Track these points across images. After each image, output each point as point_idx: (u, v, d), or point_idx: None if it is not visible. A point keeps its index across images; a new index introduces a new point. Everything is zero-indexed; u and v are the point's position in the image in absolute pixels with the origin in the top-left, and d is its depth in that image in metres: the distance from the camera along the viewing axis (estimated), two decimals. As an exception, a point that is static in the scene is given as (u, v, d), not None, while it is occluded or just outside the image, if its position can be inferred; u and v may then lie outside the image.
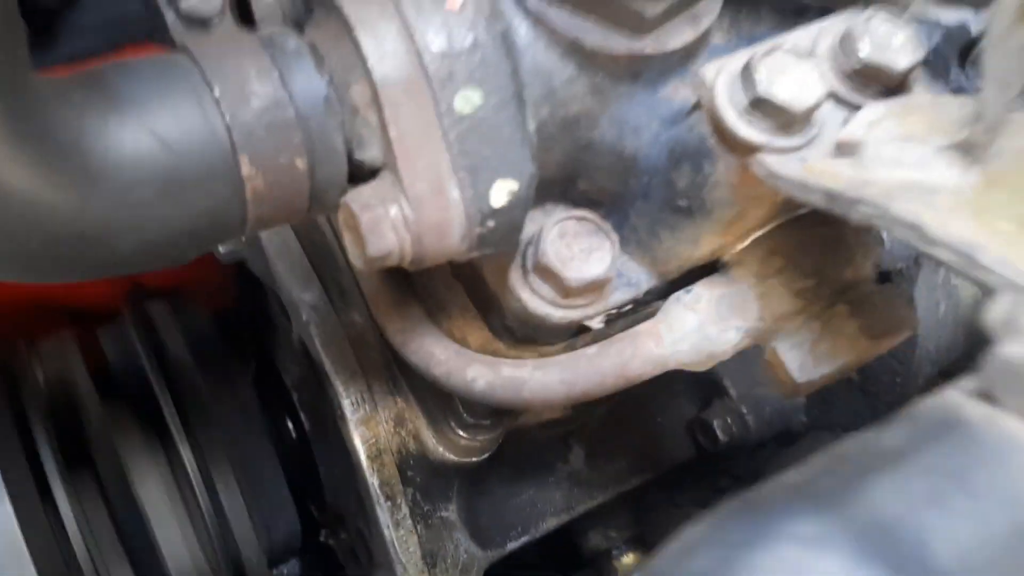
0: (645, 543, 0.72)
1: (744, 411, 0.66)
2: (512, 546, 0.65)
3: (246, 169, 0.30)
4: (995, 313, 0.22)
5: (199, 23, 0.33)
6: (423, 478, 0.56)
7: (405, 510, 0.57)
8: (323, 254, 0.53)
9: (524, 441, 0.61)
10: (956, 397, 0.22)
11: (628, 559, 0.72)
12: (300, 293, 0.53)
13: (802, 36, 0.35)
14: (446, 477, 0.58)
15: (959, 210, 0.28)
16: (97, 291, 0.68)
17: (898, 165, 0.29)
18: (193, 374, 0.60)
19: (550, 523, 0.66)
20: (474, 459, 0.56)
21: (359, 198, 0.33)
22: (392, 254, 0.33)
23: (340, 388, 0.51)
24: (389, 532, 0.54)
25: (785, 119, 0.31)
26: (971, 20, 0.64)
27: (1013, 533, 0.19)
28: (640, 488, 0.68)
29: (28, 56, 0.26)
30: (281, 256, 0.56)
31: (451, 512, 0.60)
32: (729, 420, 0.66)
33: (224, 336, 0.65)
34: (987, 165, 0.29)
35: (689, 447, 0.69)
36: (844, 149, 0.31)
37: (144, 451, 0.57)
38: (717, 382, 0.66)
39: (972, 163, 0.29)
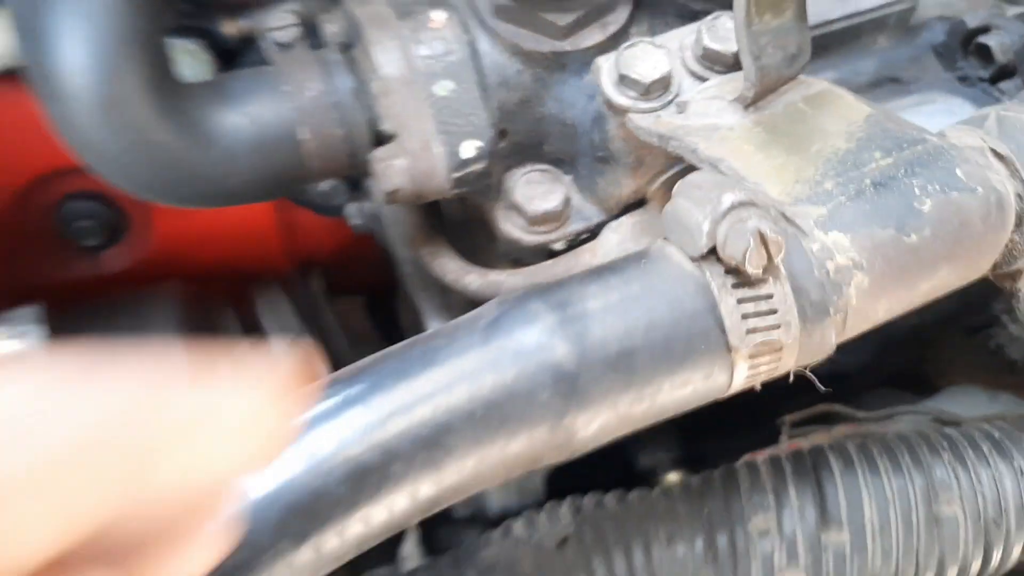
0: (691, 464, 0.84)
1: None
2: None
3: (302, 134, 0.49)
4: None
5: (283, 47, 0.53)
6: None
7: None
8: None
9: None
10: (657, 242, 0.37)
11: (672, 477, 0.84)
12: (403, 252, 0.71)
13: (682, 31, 0.49)
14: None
15: (727, 140, 0.42)
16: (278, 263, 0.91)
17: (705, 116, 0.44)
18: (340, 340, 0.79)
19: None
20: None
21: (377, 154, 0.51)
22: (400, 191, 0.51)
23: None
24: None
25: (641, 88, 0.46)
26: (968, 16, 0.75)
27: (647, 324, 0.34)
28: (686, 417, 0.81)
29: (170, 69, 0.46)
30: (396, 227, 0.75)
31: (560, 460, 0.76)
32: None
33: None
34: (759, 112, 0.43)
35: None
36: (680, 107, 0.45)
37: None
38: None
39: (746, 112, 0.43)
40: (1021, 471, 0.45)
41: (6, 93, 0.73)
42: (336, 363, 0.77)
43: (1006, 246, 0.39)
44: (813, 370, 0.84)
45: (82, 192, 0.85)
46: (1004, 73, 0.70)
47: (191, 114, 0.47)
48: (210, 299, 0.82)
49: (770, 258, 0.33)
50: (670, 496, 0.47)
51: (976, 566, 0.45)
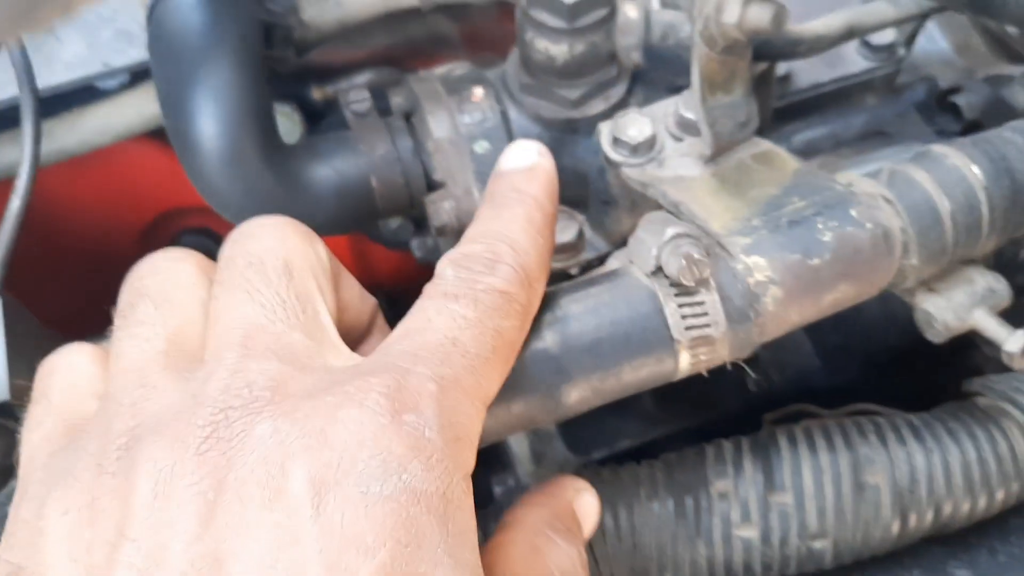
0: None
1: (770, 371, 0.89)
2: (596, 455, 0.92)
3: (374, 182, 0.64)
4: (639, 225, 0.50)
5: (359, 115, 0.68)
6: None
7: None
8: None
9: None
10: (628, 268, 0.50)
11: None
12: None
13: (667, 102, 0.63)
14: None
15: (688, 188, 0.55)
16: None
17: (675, 169, 0.57)
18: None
19: (625, 444, 0.93)
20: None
21: (430, 198, 0.65)
22: (447, 226, 0.65)
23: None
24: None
25: (630, 148, 0.59)
26: (939, 77, 0.88)
27: (611, 322, 0.47)
28: (697, 427, 0.93)
29: (277, 133, 0.62)
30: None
31: (550, 424, 0.89)
32: (759, 376, 0.89)
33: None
34: (716, 166, 0.56)
35: (735, 399, 0.92)
36: (659, 162, 0.59)
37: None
38: (751, 348, 0.90)
39: (705, 166, 0.56)
40: (929, 450, 0.56)
41: (144, 149, 0.91)
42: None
43: (899, 269, 0.51)
44: (815, 386, 0.94)
45: (196, 228, 1.02)
46: (973, 127, 0.82)
47: (291, 168, 0.62)
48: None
49: (698, 274, 0.46)
50: (651, 467, 0.60)
51: (896, 527, 0.56)
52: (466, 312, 0.40)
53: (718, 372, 0.95)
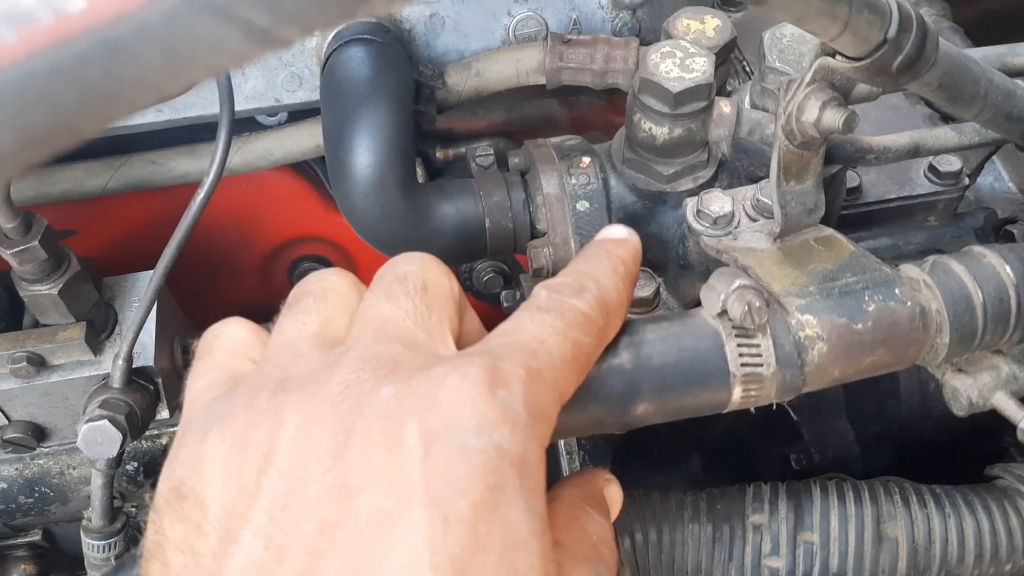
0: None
1: (812, 450, 0.96)
2: None
3: (487, 224, 0.75)
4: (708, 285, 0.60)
5: (482, 168, 0.80)
6: (590, 446, 0.95)
7: (577, 464, 0.96)
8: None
9: (656, 442, 0.98)
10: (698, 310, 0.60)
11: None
12: None
13: (747, 188, 0.73)
14: (603, 450, 0.96)
15: (757, 257, 0.64)
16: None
17: (748, 241, 0.67)
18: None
19: (669, 501, 1.00)
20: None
21: (532, 244, 0.76)
22: (543, 268, 0.76)
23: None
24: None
25: (710, 220, 0.70)
26: (999, 208, 0.97)
27: (678, 349, 0.57)
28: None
29: (415, 172, 0.74)
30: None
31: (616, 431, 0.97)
32: (801, 455, 0.96)
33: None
34: (783, 243, 0.65)
35: (777, 474, 0.98)
36: (735, 235, 0.69)
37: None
38: (796, 430, 0.97)
39: (774, 242, 0.65)
40: (947, 515, 0.63)
41: (280, 177, 1.05)
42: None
43: (933, 346, 0.60)
44: (850, 470, 1.00)
45: (310, 255, 1.15)
46: (1026, 254, 0.89)
47: (421, 201, 0.74)
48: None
49: (757, 319, 0.55)
50: (696, 496, 0.68)
51: (910, 581, 0.63)
52: (553, 322, 0.50)
53: (763, 446, 1.03)
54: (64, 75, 0.21)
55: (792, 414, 0.96)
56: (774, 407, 0.59)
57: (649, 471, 1.00)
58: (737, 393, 0.57)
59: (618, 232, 0.60)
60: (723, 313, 0.57)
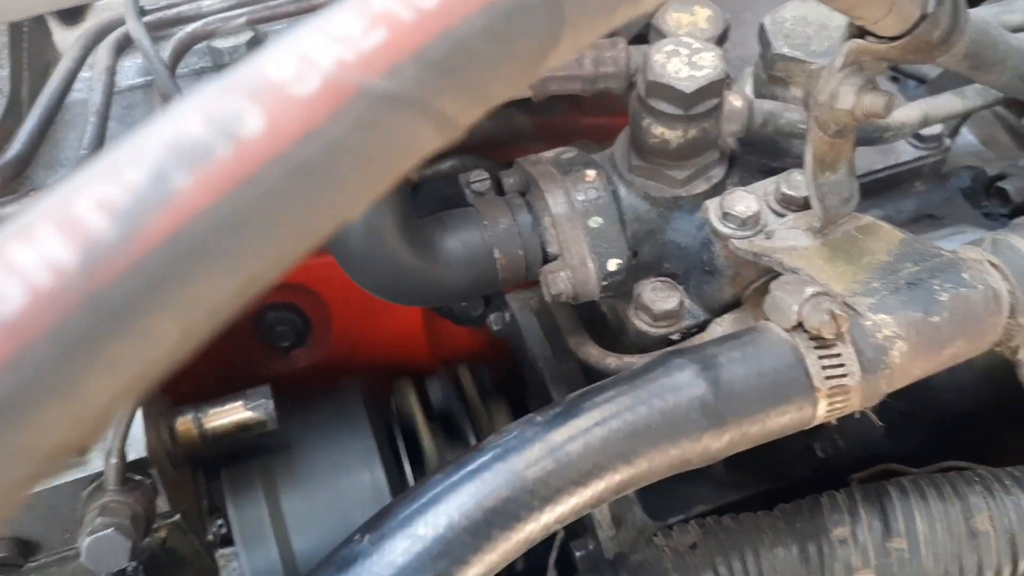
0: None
1: (836, 436, 0.94)
2: (672, 520, 0.95)
3: (497, 254, 0.69)
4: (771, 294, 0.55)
5: (478, 194, 0.74)
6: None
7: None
8: (554, 330, 0.91)
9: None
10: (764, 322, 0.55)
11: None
12: (537, 350, 0.91)
13: (765, 182, 0.69)
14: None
15: (803, 256, 0.61)
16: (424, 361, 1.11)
17: (786, 240, 0.63)
18: (479, 412, 0.99)
19: (699, 508, 0.96)
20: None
21: (546, 268, 0.71)
22: (563, 294, 0.70)
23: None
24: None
25: (739, 222, 0.65)
26: (989, 166, 0.95)
27: (759, 372, 0.52)
28: (767, 492, 0.96)
29: (411, 204, 0.68)
30: (529, 332, 0.95)
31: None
32: (826, 443, 0.94)
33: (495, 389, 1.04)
34: (824, 237, 0.62)
35: (803, 466, 0.96)
36: (768, 235, 0.65)
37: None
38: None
39: (815, 237, 0.62)
40: (1034, 497, 0.60)
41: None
42: (478, 429, 0.96)
43: (1005, 327, 0.57)
44: (880, 452, 0.98)
45: (280, 303, 1.07)
46: (1020, 210, 0.89)
47: (424, 239, 0.68)
48: (376, 389, 1.02)
49: (839, 327, 0.51)
50: (770, 516, 0.63)
51: (1008, 571, 0.60)
52: None
53: (784, 439, 1.00)
54: (255, 224, 0.15)
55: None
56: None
57: (674, 482, 0.96)
58: (822, 407, 0.53)
59: None
60: (797, 326, 0.53)
